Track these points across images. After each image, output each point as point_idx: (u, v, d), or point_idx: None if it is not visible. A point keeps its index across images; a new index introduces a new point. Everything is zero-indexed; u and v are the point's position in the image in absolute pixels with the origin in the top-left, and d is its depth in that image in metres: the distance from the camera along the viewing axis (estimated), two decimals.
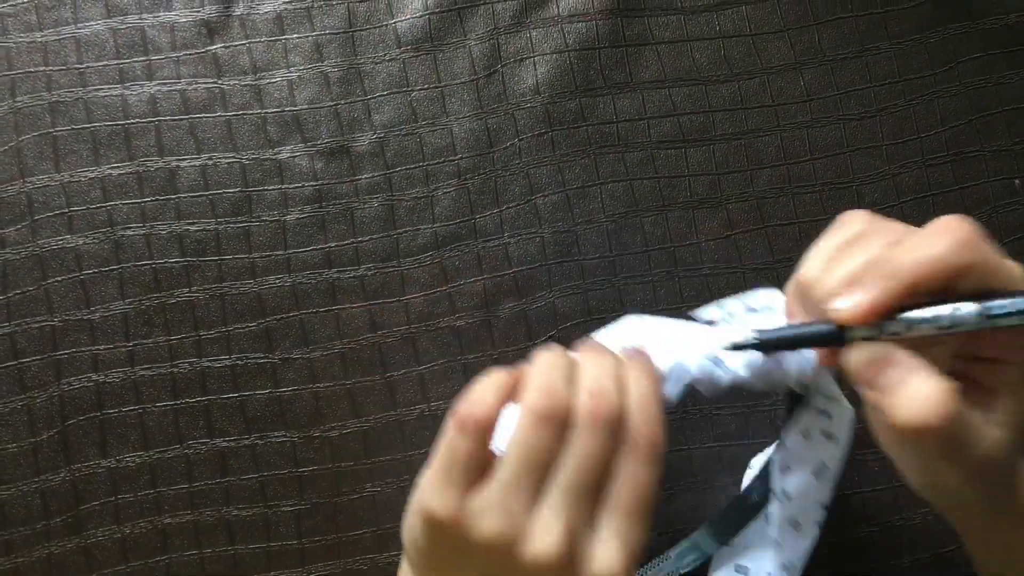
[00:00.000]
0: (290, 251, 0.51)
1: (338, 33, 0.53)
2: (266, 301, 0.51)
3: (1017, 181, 0.53)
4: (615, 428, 0.34)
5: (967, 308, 0.32)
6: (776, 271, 0.52)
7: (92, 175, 0.51)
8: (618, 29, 0.54)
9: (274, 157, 0.52)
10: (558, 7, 0.54)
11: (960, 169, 0.53)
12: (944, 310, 0.32)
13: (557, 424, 0.33)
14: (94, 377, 0.50)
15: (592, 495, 0.33)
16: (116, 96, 0.52)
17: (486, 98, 0.53)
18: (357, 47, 0.53)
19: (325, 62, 0.53)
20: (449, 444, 0.34)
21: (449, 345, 0.51)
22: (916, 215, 0.52)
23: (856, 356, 0.33)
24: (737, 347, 0.35)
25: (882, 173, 0.53)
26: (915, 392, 0.31)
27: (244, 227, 0.51)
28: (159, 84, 0.52)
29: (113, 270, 0.50)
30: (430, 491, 0.34)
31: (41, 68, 0.52)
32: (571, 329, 0.51)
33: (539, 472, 0.33)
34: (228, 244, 0.51)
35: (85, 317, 0.50)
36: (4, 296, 0.50)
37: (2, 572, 0.48)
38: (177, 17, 0.52)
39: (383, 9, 0.53)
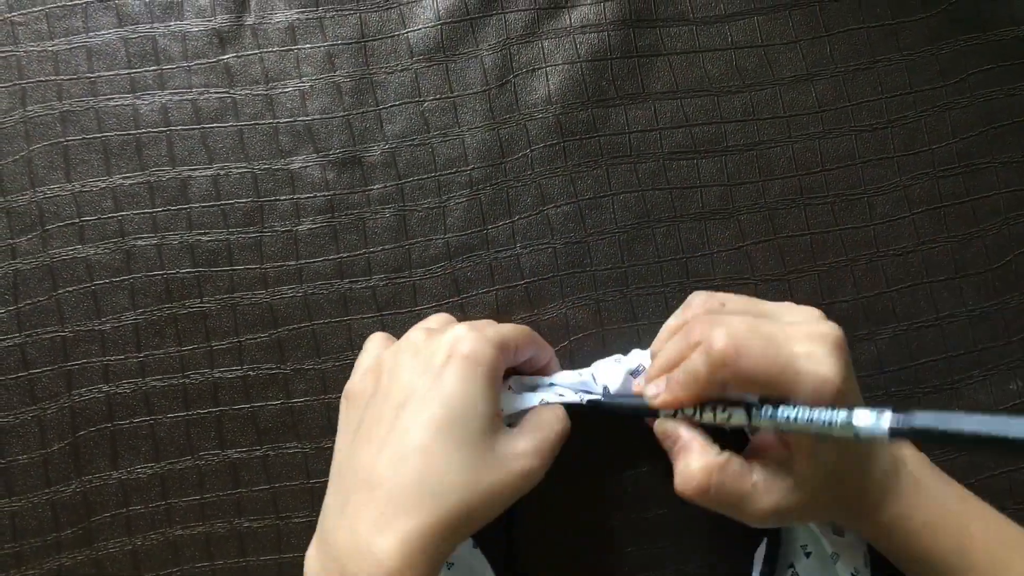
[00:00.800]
0: (302, 261, 0.51)
1: (350, 43, 0.53)
2: (278, 312, 0.50)
3: None
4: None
5: (736, 417, 0.40)
6: (788, 282, 0.52)
7: (103, 185, 0.51)
8: (630, 40, 0.54)
9: (286, 167, 0.51)
10: (570, 18, 0.54)
11: (971, 180, 0.53)
12: (718, 417, 0.41)
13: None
14: (105, 388, 0.49)
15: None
16: (127, 105, 0.52)
17: (498, 108, 0.53)
18: (369, 57, 0.53)
19: (337, 72, 0.52)
20: None
21: None
22: (927, 226, 0.52)
23: (657, 427, 0.43)
24: (590, 402, 0.45)
25: (893, 184, 0.53)
26: (683, 466, 0.40)
27: (256, 237, 0.51)
28: (171, 94, 0.52)
29: (124, 280, 0.50)
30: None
31: (52, 77, 0.52)
32: (583, 340, 0.51)
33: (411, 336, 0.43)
34: (240, 254, 0.51)
35: (96, 328, 0.50)
36: (15, 306, 0.50)
37: None
38: (189, 27, 0.52)
39: (395, 19, 0.53)
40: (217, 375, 0.50)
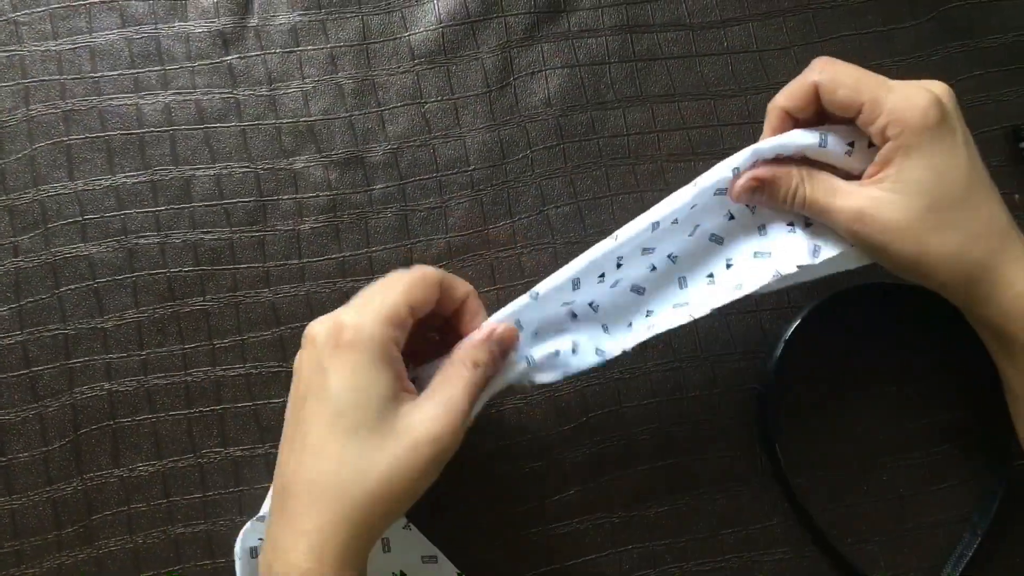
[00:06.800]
0: (304, 260, 0.51)
1: (352, 45, 0.53)
2: (280, 310, 0.51)
3: (1017, 196, 0.54)
4: None
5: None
6: None
7: (106, 183, 0.51)
8: (627, 44, 0.55)
9: (288, 167, 0.52)
10: (568, 22, 0.55)
11: None
12: None
13: None
14: (107, 386, 0.49)
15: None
16: (131, 105, 0.52)
17: (498, 110, 0.53)
18: (371, 59, 0.53)
19: (339, 74, 0.53)
20: None
21: None
22: None
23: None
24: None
25: None
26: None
27: (258, 236, 0.51)
28: (174, 94, 0.52)
29: (127, 278, 0.50)
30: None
31: (55, 77, 0.52)
32: None
33: None
34: (242, 253, 0.51)
35: (99, 325, 0.50)
36: (17, 304, 0.50)
37: None
38: (192, 28, 0.53)
39: (397, 22, 0.54)
40: (219, 373, 0.50)
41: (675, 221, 0.44)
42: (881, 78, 0.43)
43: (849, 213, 0.42)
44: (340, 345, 0.38)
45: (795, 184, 0.43)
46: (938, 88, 0.43)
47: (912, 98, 0.41)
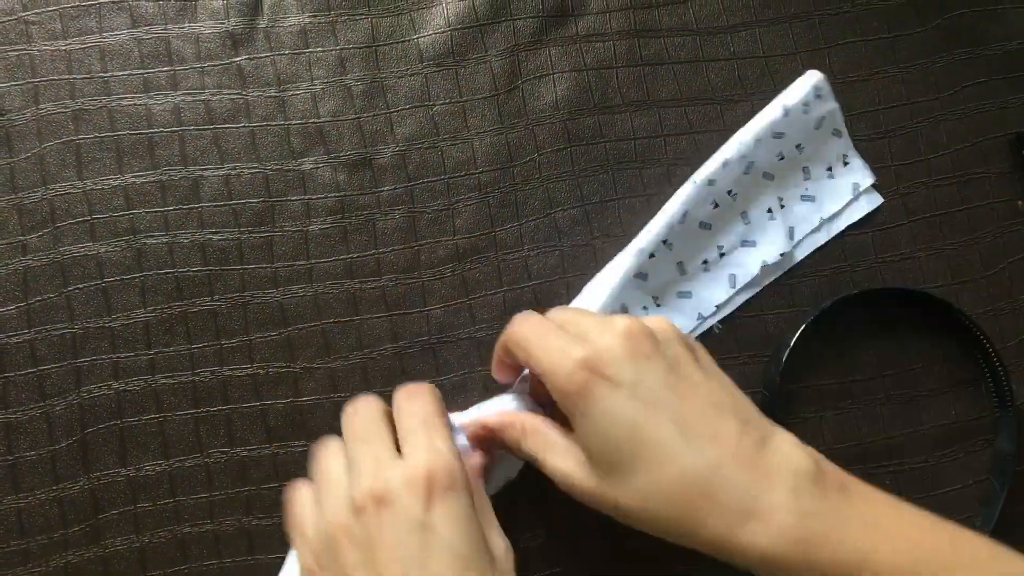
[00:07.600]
0: (312, 261, 0.51)
1: (361, 47, 0.54)
2: (288, 311, 0.51)
3: (1020, 202, 0.55)
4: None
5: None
6: (790, 287, 0.53)
7: (115, 183, 0.51)
8: (635, 49, 0.55)
9: (297, 168, 0.52)
10: (576, 26, 0.55)
11: (965, 190, 0.55)
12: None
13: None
14: (114, 385, 0.49)
15: (381, 436, 0.39)
16: (140, 105, 0.52)
17: (506, 113, 0.54)
18: (380, 62, 0.54)
19: (348, 76, 0.53)
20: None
21: (469, 356, 0.51)
22: (926, 233, 0.54)
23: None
24: None
25: (891, 193, 0.54)
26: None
27: (267, 237, 0.51)
28: (183, 94, 0.52)
29: (135, 278, 0.50)
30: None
31: (65, 76, 0.52)
32: None
33: (335, 473, 0.39)
34: (251, 254, 0.51)
35: (106, 325, 0.50)
36: (25, 303, 0.50)
37: None
38: (202, 28, 0.53)
39: (406, 25, 0.54)
40: (227, 373, 0.50)
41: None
42: (541, 350, 0.40)
43: (558, 476, 0.41)
44: (437, 493, 0.36)
45: (516, 436, 0.42)
46: (604, 342, 0.39)
47: (551, 378, 0.39)
